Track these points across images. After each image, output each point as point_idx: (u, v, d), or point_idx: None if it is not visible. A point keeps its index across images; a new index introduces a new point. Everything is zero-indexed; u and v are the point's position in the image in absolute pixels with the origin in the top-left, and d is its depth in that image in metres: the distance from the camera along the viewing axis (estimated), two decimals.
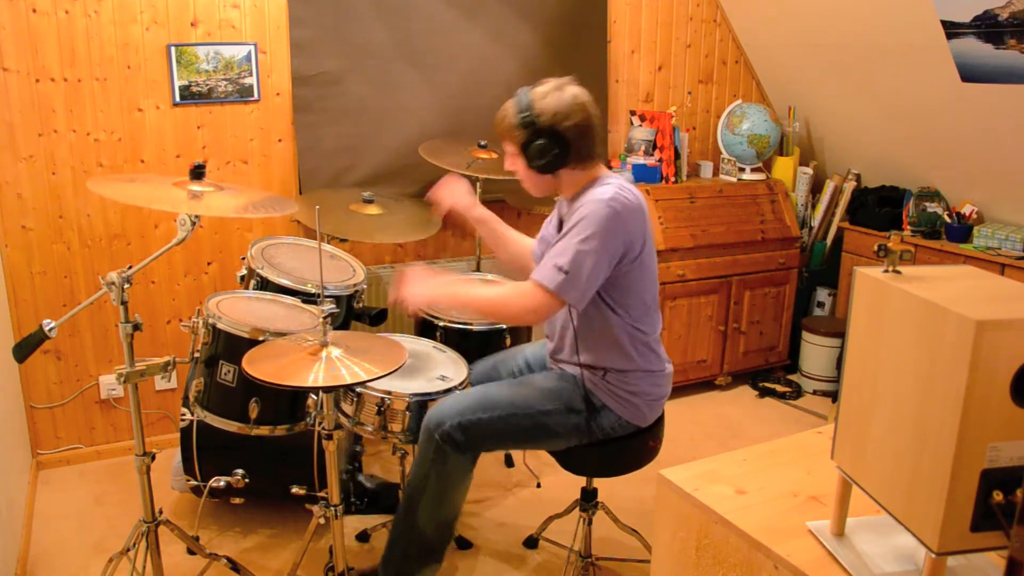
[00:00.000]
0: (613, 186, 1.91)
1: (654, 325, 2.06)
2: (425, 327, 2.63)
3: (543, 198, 3.26)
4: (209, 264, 3.17)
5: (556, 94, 1.93)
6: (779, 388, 3.89)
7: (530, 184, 2.04)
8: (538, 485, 3.00)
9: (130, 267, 1.95)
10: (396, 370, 1.80)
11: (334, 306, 1.91)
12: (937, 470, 0.96)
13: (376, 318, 2.72)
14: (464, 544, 2.60)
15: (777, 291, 3.90)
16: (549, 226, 2.13)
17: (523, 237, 2.34)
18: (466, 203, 2.28)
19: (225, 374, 2.19)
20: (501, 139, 2.02)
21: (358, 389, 2.12)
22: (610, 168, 2.17)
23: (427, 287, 2.03)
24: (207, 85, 3.00)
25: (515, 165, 2.02)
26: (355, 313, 2.68)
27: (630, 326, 2.00)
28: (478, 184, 3.16)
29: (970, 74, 3.00)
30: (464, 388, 2.19)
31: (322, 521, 2.04)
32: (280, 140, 3.17)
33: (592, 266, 1.85)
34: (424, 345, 2.47)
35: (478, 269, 3.26)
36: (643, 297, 2.01)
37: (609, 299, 1.97)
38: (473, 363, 2.35)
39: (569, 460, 2.13)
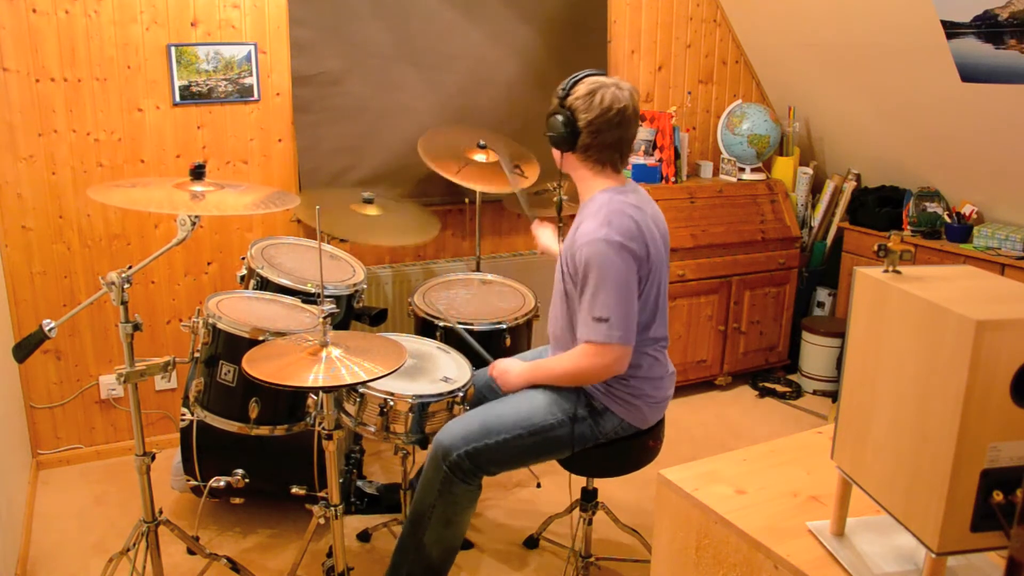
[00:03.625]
0: (604, 214, 1.94)
1: (656, 333, 2.06)
2: (425, 327, 2.63)
3: (541, 200, 3.28)
4: (209, 264, 3.17)
5: (598, 88, 1.97)
6: (779, 388, 3.89)
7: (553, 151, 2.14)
8: (538, 485, 3.00)
9: (130, 267, 1.95)
10: (396, 370, 1.80)
11: (334, 306, 1.91)
12: (937, 470, 0.96)
13: (376, 318, 2.72)
14: (465, 544, 2.60)
15: (777, 291, 3.90)
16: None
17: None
18: (553, 250, 2.44)
19: (225, 374, 2.19)
20: None
21: (361, 389, 2.12)
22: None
23: (518, 376, 2.15)
24: (207, 85, 3.00)
25: None
26: (355, 313, 2.68)
27: None
28: (478, 193, 3.16)
29: (970, 74, 3.00)
30: (467, 390, 2.19)
31: (322, 521, 2.04)
32: (280, 140, 3.17)
33: (623, 302, 1.90)
34: (427, 345, 2.47)
35: (477, 269, 3.26)
36: (645, 309, 2.01)
37: None
38: (476, 368, 2.36)
39: (570, 460, 2.13)
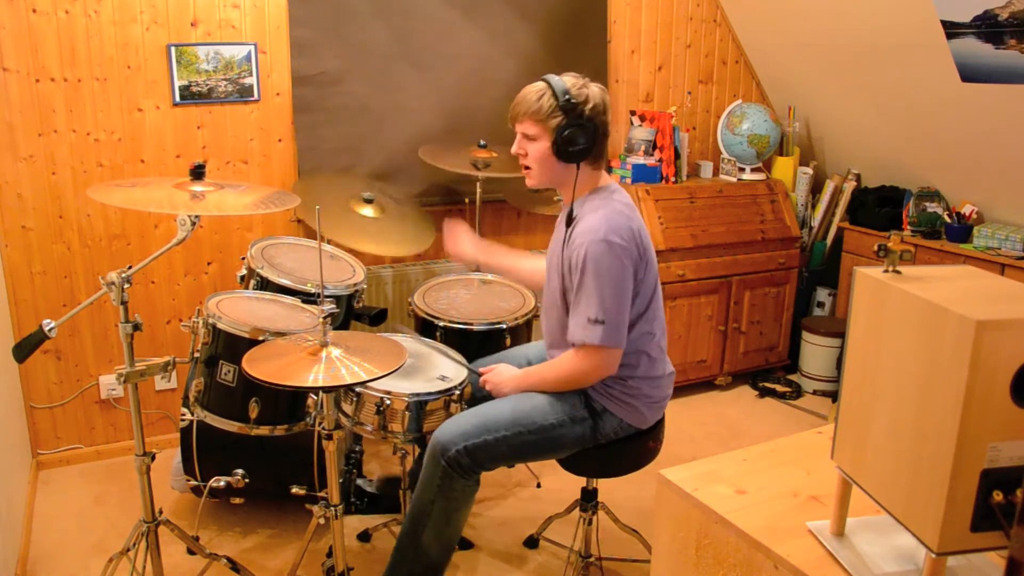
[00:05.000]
0: (603, 213, 1.92)
1: (653, 333, 2.06)
2: (425, 327, 2.63)
3: (541, 199, 3.27)
4: (209, 264, 3.17)
5: (592, 88, 1.96)
6: (779, 388, 3.89)
7: (540, 171, 2.00)
8: (538, 485, 3.00)
9: (130, 267, 1.95)
10: (396, 370, 1.80)
11: (334, 306, 1.91)
12: (937, 470, 0.96)
13: (376, 318, 2.72)
14: (464, 544, 2.60)
15: (777, 291, 3.90)
16: (557, 234, 2.12)
17: (533, 258, 2.39)
18: (469, 254, 2.37)
19: (225, 374, 2.19)
20: (523, 119, 1.97)
21: (358, 389, 2.12)
22: (610, 169, 2.18)
23: (510, 384, 2.13)
24: (207, 85, 3.00)
25: (527, 148, 1.99)
26: (355, 313, 2.68)
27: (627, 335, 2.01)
28: (479, 183, 3.16)
29: (970, 74, 3.00)
30: (464, 388, 2.19)
31: (322, 521, 2.04)
32: (280, 140, 3.17)
33: (618, 305, 1.90)
34: (425, 345, 2.47)
35: (477, 269, 3.25)
36: (641, 308, 2.01)
37: None
38: (475, 360, 2.36)
39: (570, 461, 2.13)
